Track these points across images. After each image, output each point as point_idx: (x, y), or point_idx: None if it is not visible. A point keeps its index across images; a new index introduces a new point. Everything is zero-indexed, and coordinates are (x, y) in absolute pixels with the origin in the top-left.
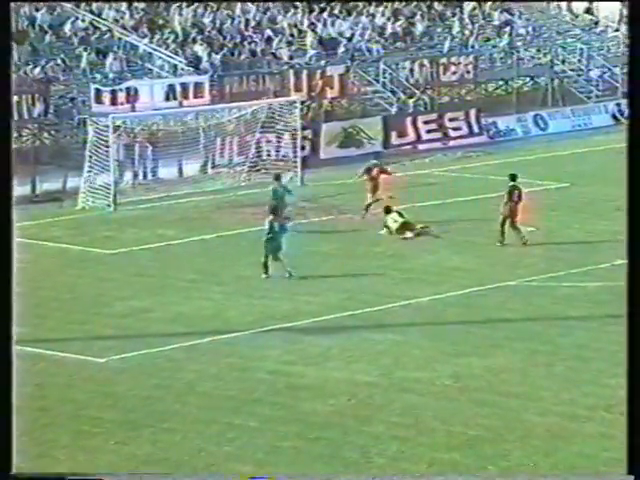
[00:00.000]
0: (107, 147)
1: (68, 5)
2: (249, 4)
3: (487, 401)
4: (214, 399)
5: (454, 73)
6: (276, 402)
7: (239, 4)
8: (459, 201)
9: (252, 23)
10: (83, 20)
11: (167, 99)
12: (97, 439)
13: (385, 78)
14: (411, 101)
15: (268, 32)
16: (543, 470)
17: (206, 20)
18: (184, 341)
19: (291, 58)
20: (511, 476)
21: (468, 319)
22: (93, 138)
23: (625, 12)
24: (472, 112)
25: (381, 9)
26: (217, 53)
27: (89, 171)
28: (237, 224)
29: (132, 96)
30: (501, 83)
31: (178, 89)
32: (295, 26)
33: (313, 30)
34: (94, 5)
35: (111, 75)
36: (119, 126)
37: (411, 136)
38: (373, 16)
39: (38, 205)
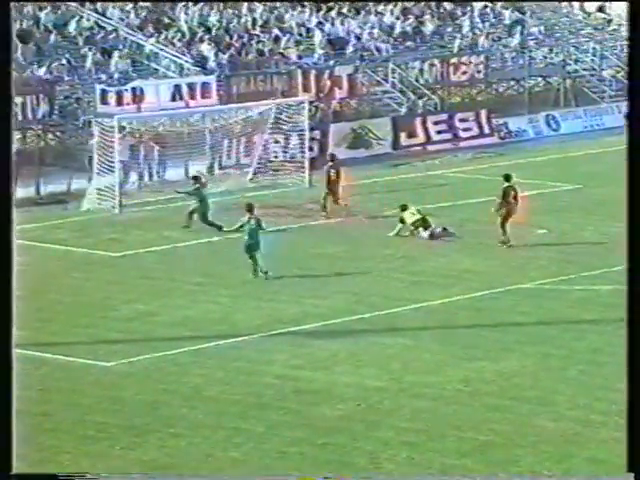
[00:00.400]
0: (112, 148)
1: (73, 4)
2: (256, 3)
3: (499, 406)
4: (221, 404)
5: (464, 73)
6: (283, 407)
7: (246, 3)
8: (470, 203)
9: (259, 22)
10: (88, 19)
11: (173, 99)
12: (102, 444)
13: (394, 78)
14: (421, 101)
15: (276, 31)
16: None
17: (213, 19)
18: (190, 345)
19: (299, 58)
20: (512, 476)
21: (479, 322)
22: (98, 139)
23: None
24: (483, 112)
25: (390, 8)
26: (224, 53)
27: (94, 173)
28: None
29: (138, 96)
30: (512, 83)
31: (184, 89)
32: (303, 25)
33: (321, 29)
34: (99, 4)
35: (117, 75)
36: (124, 127)
37: (421, 137)
38: (382, 15)
39: (43, 207)
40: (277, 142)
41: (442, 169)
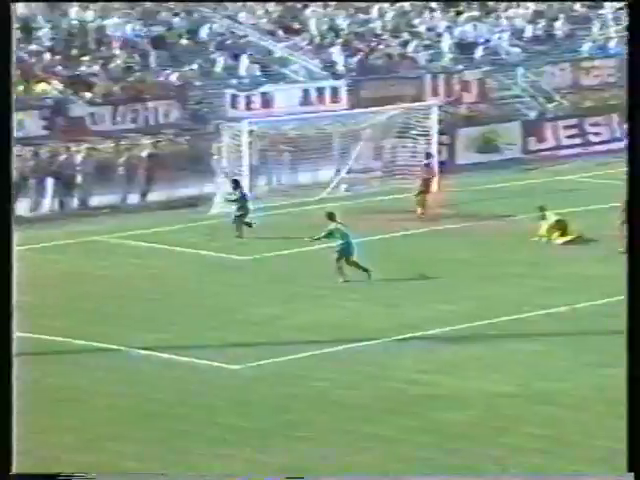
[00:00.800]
0: (242, 152)
1: (205, 9)
2: (385, 6)
3: None
4: (347, 408)
5: (596, 77)
6: (410, 412)
7: (376, 7)
8: (601, 208)
9: (389, 26)
10: (220, 25)
11: (302, 104)
12: (232, 447)
13: (524, 82)
14: (551, 106)
15: (405, 35)
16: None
17: (342, 24)
18: (317, 349)
19: (428, 62)
20: (512, 476)
21: (611, 329)
22: (229, 143)
23: None
24: (614, 117)
25: (521, 11)
26: (353, 57)
27: (224, 176)
28: (371, 230)
29: (267, 101)
30: None
31: (313, 94)
32: (432, 29)
33: (450, 33)
34: (230, 9)
35: (247, 80)
36: (254, 131)
37: (550, 141)
38: (512, 18)
39: (174, 210)
40: (405, 147)
41: (572, 174)
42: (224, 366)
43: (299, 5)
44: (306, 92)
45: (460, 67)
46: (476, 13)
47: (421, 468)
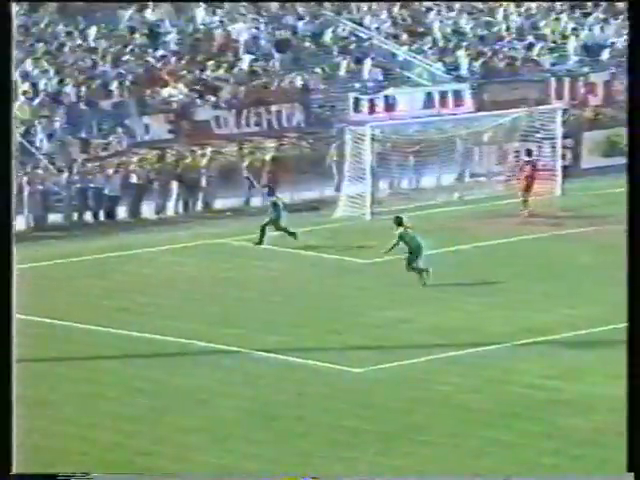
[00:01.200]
0: (365, 156)
1: (330, 13)
2: (510, 9)
3: None
4: (471, 412)
5: None
6: (535, 417)
7: (501, 9)
8: None
9: (513, 29)
10: (344, 29)
11: (425, 107)
12: (355, 450)
13: None
14: None
15: (530, 38)
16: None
17: (466, 26)
18: (440, 353)
19: (552, 65)
20: (515, 478)
21: None
22: (351, 147)
23: None
24: None
25: None
26: (477, 60)
27: (347, 180)
28: (495, 234)
29: (390, 104)
30: None
31: (436, 97)
32: (557, 32)
33: (576, 35)
34: (355, 12)
35: (370, 83)
36: (376, 135)
37: None
38: None
39: (296, 213)
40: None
41: None
42: (346, 369)
43: (423, 8)
44: (429, 95)
45: (585, 69)
46: (602, 15)
47: (547, 474)
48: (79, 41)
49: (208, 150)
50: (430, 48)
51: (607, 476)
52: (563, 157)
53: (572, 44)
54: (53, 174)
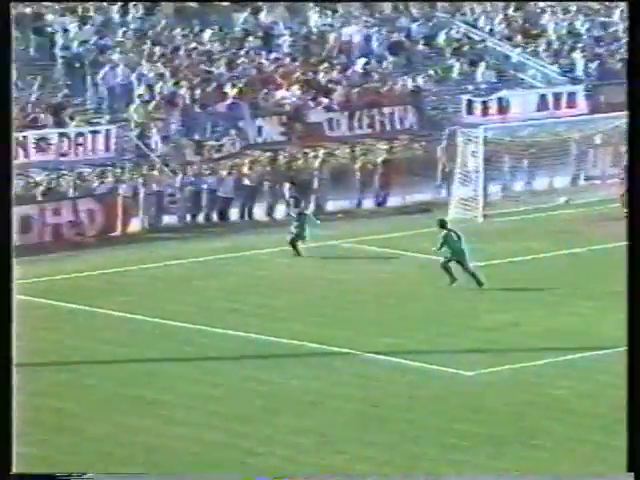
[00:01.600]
0: (477, 158)
1: (444, 15)
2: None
3: None
4: (586, 417)
5: None
6: None
7: (618, 10)
8: None
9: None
10: (457, 31)
11: (539, 110)
12: (465, 453)
13: None
14: None
15: None
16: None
17: (582, 28)
18: (553, 356)
19: None
20: (511, 476)
21: None
22: (463, 149)
23: None
24: None
25: None
26: (592, 62)
27: (458, 182)
28: (609, 237)
29: (503, 107)
30: None
31: (550, 99)
32: None
33: None
34: (469, 14)
35: (483, 86)
36: (489, 137)
37: None
38: None
39: (407, 216)
40: None
41: None
42: (457, 372)
43: (538, 9)
44: (543, 97)
45: None
46: None
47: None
48: (194, 44)
49: (320, 152)
50: (545, 50)
51: (607, 476)
52: None
53: None
54: (168, 176)
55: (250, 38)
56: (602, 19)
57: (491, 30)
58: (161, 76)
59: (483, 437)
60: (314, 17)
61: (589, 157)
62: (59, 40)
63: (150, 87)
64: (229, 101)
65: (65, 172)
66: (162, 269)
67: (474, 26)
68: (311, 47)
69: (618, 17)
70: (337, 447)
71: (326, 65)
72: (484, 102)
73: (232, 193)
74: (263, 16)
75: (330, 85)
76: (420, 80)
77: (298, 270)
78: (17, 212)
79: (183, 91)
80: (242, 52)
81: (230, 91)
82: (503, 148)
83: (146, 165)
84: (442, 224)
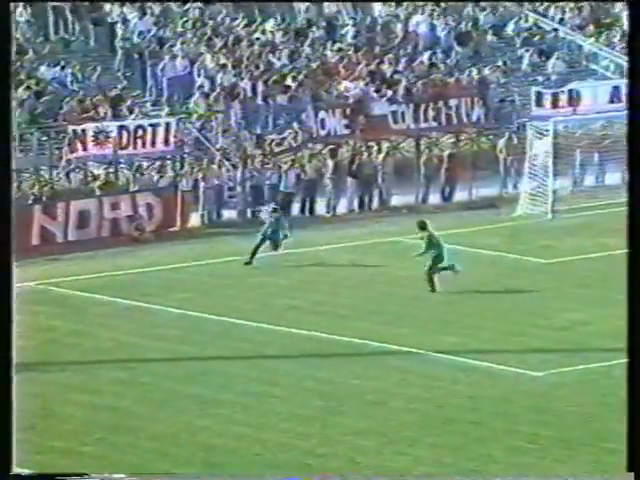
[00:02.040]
0: (548, 152)
1: (512, 4)
2: None
3: None
4: None
5: None
6: None
7: None
8: None
9: None
10: (526, 20)
11: (611, 102)
12: (532, 456)
13: None
14: None
15: None
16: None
17: None
18: (624, 357)
19: None
20: (514, 477)
21: None
22: (533, 143)
23: None
24: None
25: None
26: None
27: (526, 177)
28: None
29: (574, 99)
30: None
31: (623, 91)
32: None
33: None
34: (538, 4)
35: (553, 77)
36: (559, 130)
37: None
38: None
39: (474, 211)
40: None
41: None
42: (525, 372)
43: None
44: (616, 89)
45: None
46: None
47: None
48: (256, 35)
49: (384, 146)
50: (619, 40)
51: (607, 476)
52: None
53: None
54: (228, 170)
55: (313, 29)
56: None
57: (562, 19)
58: (222, 67)
59: (551, 440)
60: (378, 7)
61: None
62: (119, 31)
63: (211, 79)
64: (291, 93)
65: (124, 165)
66: (221, 265)
67: (544, 15)
68: (375, 37)
69: None
70: (399, 448)
71: (391, 56)
72: (554, 94)
73: (293, 187)
74: (326, 6)
75: (395, 76)
76: (487, 71)
77: (360, 267)
78: (75, 206)
79: (244, 83)
80: (305, 43)
81: (292, 83)
82: (574, 141)
83: (206, 159)
84: (422, 226)
